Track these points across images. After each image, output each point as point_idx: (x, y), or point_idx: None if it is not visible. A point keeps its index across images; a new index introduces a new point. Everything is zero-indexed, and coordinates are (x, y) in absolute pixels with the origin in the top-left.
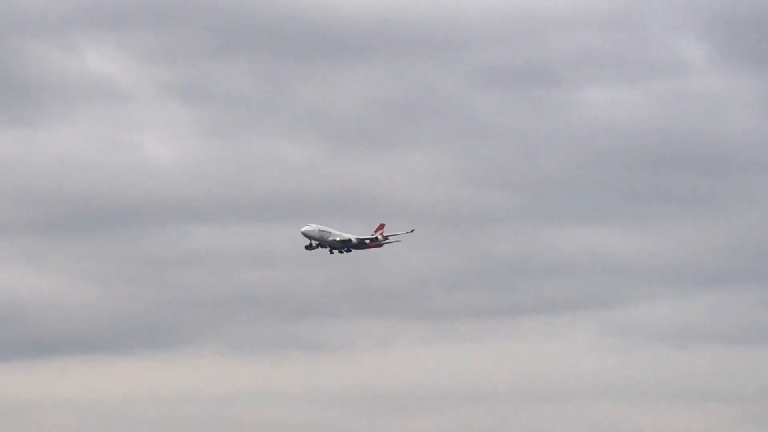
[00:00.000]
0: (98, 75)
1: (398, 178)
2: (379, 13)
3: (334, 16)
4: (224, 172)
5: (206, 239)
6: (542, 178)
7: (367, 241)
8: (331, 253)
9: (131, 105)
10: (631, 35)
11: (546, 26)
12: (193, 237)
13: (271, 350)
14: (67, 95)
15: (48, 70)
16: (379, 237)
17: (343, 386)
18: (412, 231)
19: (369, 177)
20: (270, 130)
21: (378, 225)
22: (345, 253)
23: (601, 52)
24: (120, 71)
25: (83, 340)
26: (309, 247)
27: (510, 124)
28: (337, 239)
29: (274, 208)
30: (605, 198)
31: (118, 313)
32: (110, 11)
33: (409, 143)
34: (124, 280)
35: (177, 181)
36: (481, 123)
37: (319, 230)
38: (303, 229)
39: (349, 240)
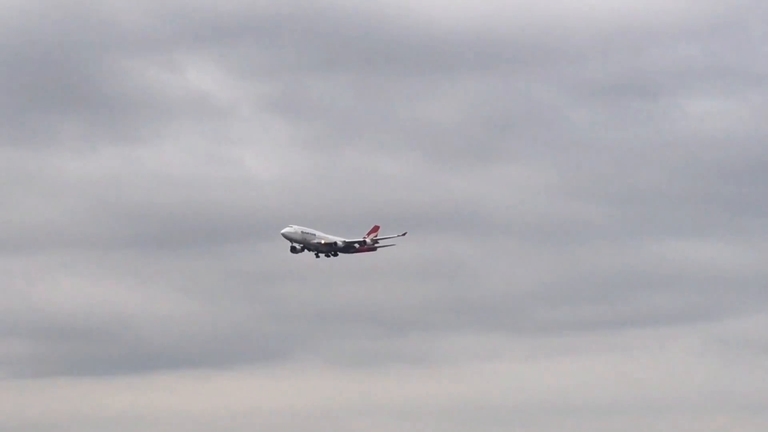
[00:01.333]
0: (198, 91)
1: (497, 191)
2: (477, 27)
3: (432, 30)
4: (324, 187)
5: (308, 253)
6: (642, 191)
7: (357, 245)
8: (317, 257)
9: (231, 120)
10: (731, 45)
11: (645, 38)
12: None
13: (373, 364)
14: (168, 112)
15: (148, 86)
16: (368, 240)
17: (447, 400)
18: (404, 234)
19: (468, 191)
20: (369, 144)
21: (372, 227)
22: (332, 257)
23: (701, 63)
24: (220, 87)
25: (185, 355)
26: (293, 251)
27: (609, 137)
28: (322, 242)
29: (374, 222)
30: (706, 210)
31: (220, 327)
32: (210, 28)
33: (507, 157)
34: (226, 295)
35: (277, 196)
36: (580, 136)
37: (302, 232)
38: (283, 231)
39: (335, 243)
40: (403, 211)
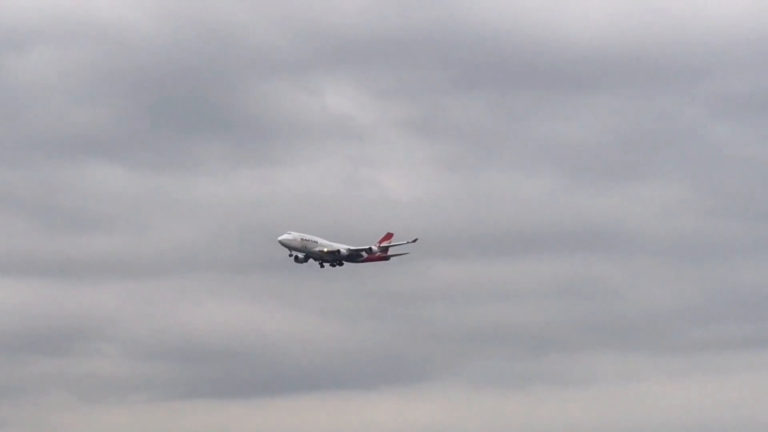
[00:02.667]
0: (337, 113)
1: (638, 210)
2: (613, 43)
3: (568, 48)
4: (463, 207)
5: (448, 274)
6: None
7: (364, 254)
8: (322, 266)
9: (370, 142)
10: None
11: None
12: (435, 272)
13: (515, 385)
14: (306, 134)
15: (287, 109)
16: (374, 248)
17: (588, 420)
18: (415, 240)
19: (608, 209)
20: (507, 163)
21: (384, 235)
22: (337, 266)
23: None
24: (358, 109)
25: (327, 377)
26: (296, 260)
27: (750, 153)
28: (324, 250)
29: (513, 242)
30: None
31: (363, 349)
32: (348, 50)
33: (647, 174)
34: (368, 316)
35: (416, 216)
36: (721, 152)
37: (301, 239)
38: (281, 238)
39: (338, 251)
40: (543, 230)
